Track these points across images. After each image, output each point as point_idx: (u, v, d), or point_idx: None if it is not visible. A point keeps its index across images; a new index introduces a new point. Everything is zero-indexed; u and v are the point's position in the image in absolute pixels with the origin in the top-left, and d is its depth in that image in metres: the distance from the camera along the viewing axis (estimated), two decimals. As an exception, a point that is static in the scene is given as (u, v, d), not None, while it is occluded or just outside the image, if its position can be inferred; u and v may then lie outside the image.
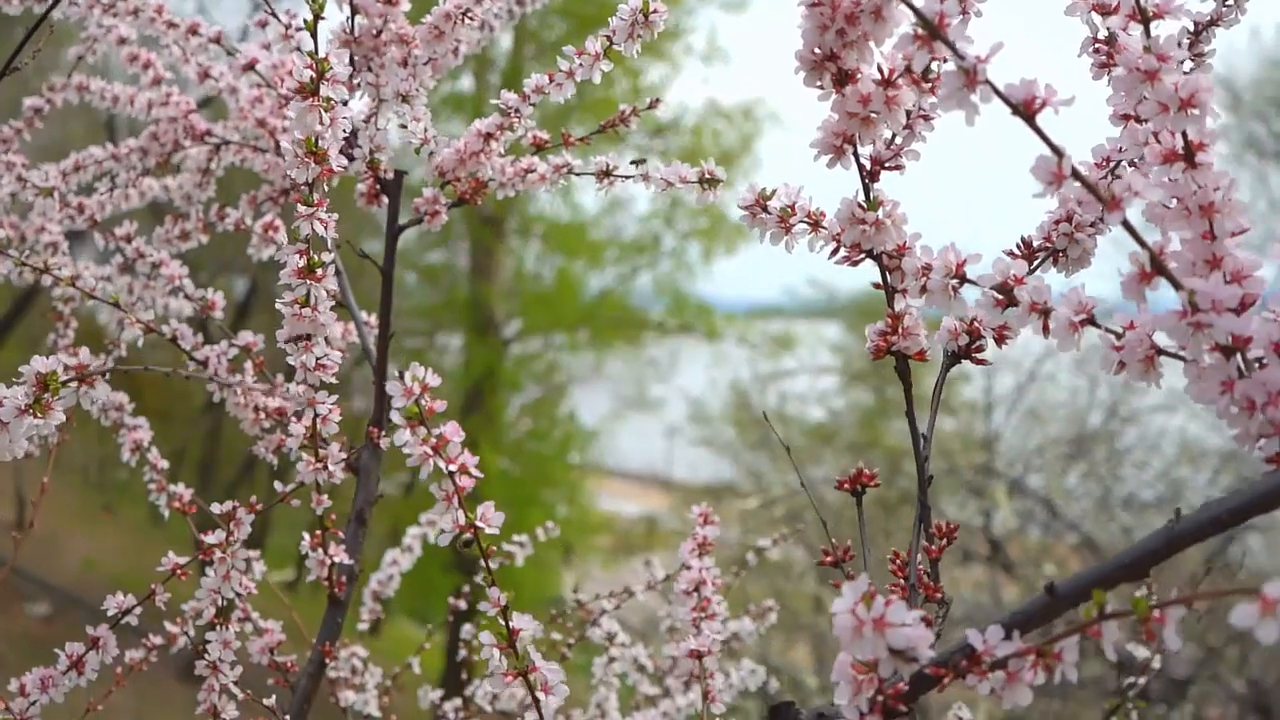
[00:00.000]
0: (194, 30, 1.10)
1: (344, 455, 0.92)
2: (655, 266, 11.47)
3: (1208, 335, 0.51)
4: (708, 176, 0.86)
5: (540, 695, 0.65)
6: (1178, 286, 0.51)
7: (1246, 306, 0.54)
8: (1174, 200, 0.55)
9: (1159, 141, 0.54)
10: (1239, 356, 0.52)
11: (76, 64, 1.30)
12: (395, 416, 0.62)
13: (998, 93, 0.50)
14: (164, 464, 1.10)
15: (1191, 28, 0.73)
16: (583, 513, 10.60)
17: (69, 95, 1.30)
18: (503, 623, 0.65)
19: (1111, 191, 0.51)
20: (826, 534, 0.77)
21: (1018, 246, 0.69)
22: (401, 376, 0.62)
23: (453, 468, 0.62)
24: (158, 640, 1.09)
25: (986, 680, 0.52)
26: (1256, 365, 0.53)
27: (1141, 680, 1.08)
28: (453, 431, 0.63)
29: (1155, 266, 0.52)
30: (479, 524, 0.63)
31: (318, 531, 0.96)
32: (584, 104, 8.82)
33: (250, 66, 1.07)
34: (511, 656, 0.64)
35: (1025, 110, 0.50)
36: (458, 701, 1.34)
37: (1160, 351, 0.54)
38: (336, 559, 0.96)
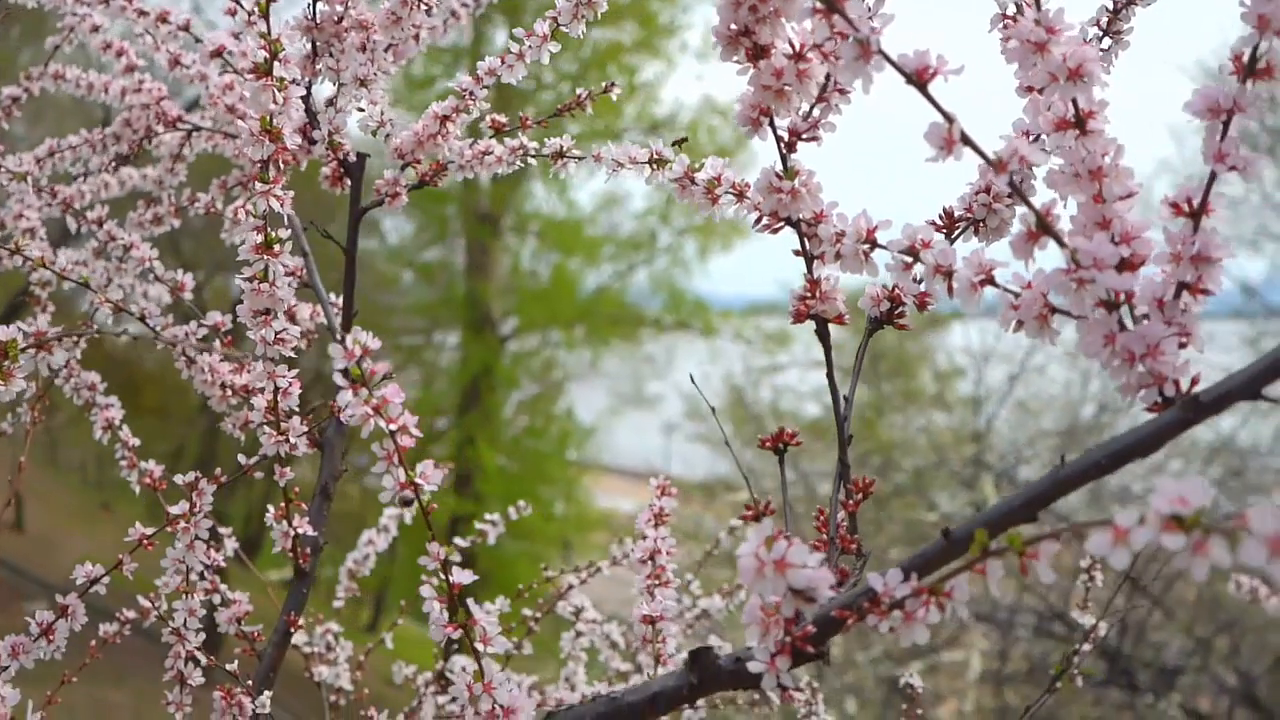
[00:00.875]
0: (163, 18, 1.12)
1: (305, 429, 0.94)
2: (651, 263, 11.52)
3: (1091, 291, 0.54)
4: (656, 157, 0.88)
5: (479, 646, 0.68)
6: (1063, 245, 0.54)
7: (1135, 266, 0.56)
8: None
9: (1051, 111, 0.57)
10: (1123, 311, 0.55)
11: (53, 53, 1.33)
12: (337, 378, 0.65)
13: (891, 63, 0.53)
14: (135, 441, 1.12)
15: (1111, 5, 0.76)
16: (580, 509, 10.63)
17: (45, 84, 1.33)
18: (442, 576, 0.68)
19: (999, 156, 0.54)
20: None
21: (940, 217, 0.72)
22: (343, 341, 0.65)
23: (393, 427, 0.65)
24: (130, 614, 1.12)
25: (886, 620, 0.54)
26: (1144, 321, 0.56)
27: (1086, 647, 1.11)
28: (393, 393, 0.66)
29: (1041, 226, 0.55)
30: (419, 481, 0.66)
31: (282, 504, 0.99)
32: (579, 113, 8.85)
33: (218, 53, 1.09)
34: (450, 608, 0.67)
35: (918, 79, 0.53)
36: (428, 675, 1.37)
37: (1054, 310, 0.57)
38: (300, 530, 0.99)
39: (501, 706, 0.66)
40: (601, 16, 0.97)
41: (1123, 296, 0.54)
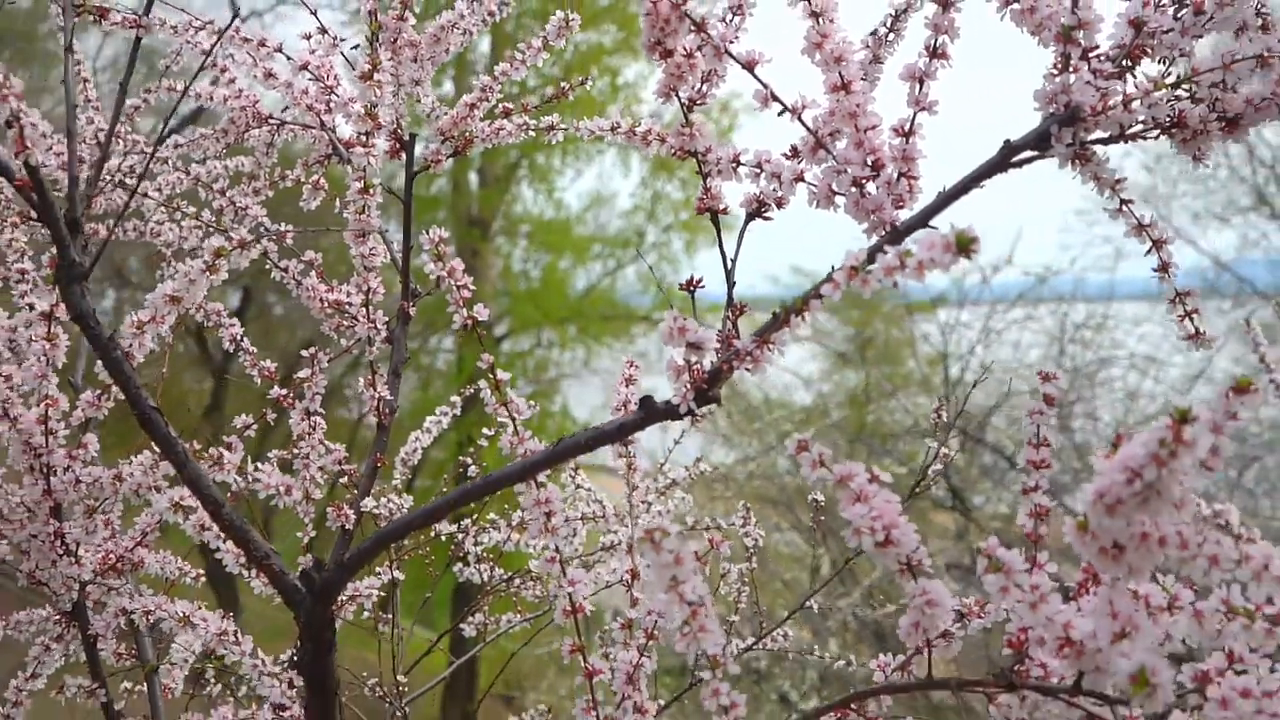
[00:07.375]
0: (262, 43, 1.56)
1: (387, 319, 1.39)
2: (640, 260, 11.94)
3: (845, 178, 0.98)
4: (615, 124, 1.33)
5: (514, 416, 1.12)
6: (830, 153, 0.99)
7: (879, 167, 1.01)
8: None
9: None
10: (867, 187, 0.99)
11: (165, 71, 1.77)
12: (424, 255, 1.09)
13: (732, 56, 0.98)
14: (254, 350, 1.56)
15: (893, 13, 1.21)
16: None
17: (162, 95, 1.77)
18: (493, 376, 1.12)
19: (794, 104, 0.98)
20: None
21: (789, 149, 1.16)
22: (427, 231, 1.09)
23: (459, 284, 1.09)
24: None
25: (744, 364, 0.98)
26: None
27: (937, 467, 1.55)
28: (458, 264, 1.10)
29: (818, 144, 0.99)
30: (476, 315, 1.10)
31: (369, 376, 1.43)
32: (563, 101, 9.33)
33: (304, 66, 1.54)
34: (497, 394, 1.11)
35: (748, 65, 0.98)
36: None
37: (834, 191, 1.02)
38: (382, 394, 1.43)
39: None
40: (582, 19, 1.41)
41: (865, 180, 0.98)
